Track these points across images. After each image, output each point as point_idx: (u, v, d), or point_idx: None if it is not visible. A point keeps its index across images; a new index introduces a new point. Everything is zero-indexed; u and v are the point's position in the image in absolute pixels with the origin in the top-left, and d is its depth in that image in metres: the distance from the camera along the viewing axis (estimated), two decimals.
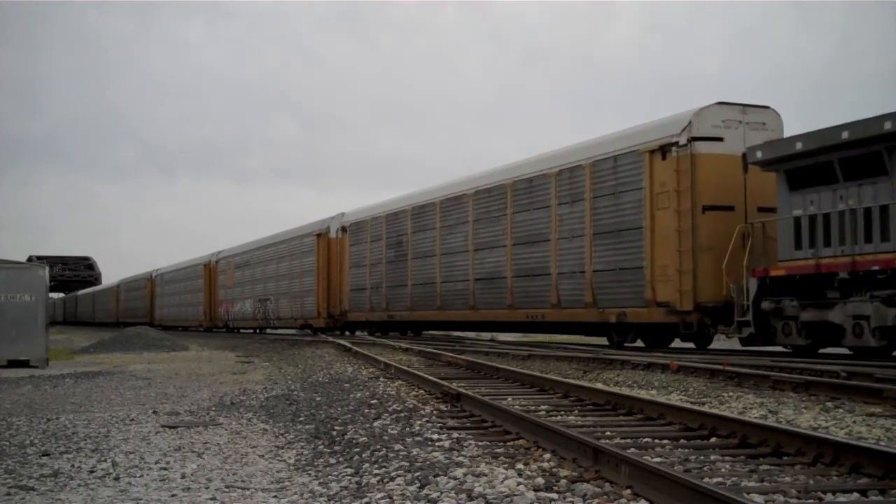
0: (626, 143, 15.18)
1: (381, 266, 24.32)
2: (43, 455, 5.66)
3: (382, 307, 24.24)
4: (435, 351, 14.24)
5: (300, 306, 29.84)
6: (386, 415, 6.71)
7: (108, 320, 59.27)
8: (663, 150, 14.13)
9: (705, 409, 6.23)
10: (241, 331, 37.04)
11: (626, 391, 7.68)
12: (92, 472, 5.03)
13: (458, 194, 20.47)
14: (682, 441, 5.15)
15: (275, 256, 32.66)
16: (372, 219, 25.23)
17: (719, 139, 13.83)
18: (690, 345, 16.85)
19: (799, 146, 11.90)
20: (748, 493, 3.59)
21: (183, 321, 45.77)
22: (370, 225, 25.31)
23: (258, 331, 35.49)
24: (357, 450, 5.24)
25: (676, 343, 17.23)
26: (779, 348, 13.23)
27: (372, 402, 7.69)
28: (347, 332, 27.89)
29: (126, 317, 55.37)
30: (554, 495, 3.74)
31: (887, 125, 10.67)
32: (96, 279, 77.11)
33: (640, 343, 16.59)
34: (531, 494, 3.75)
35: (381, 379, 10.04)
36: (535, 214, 17.53)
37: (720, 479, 3.99)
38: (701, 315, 13.66)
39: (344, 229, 27.29)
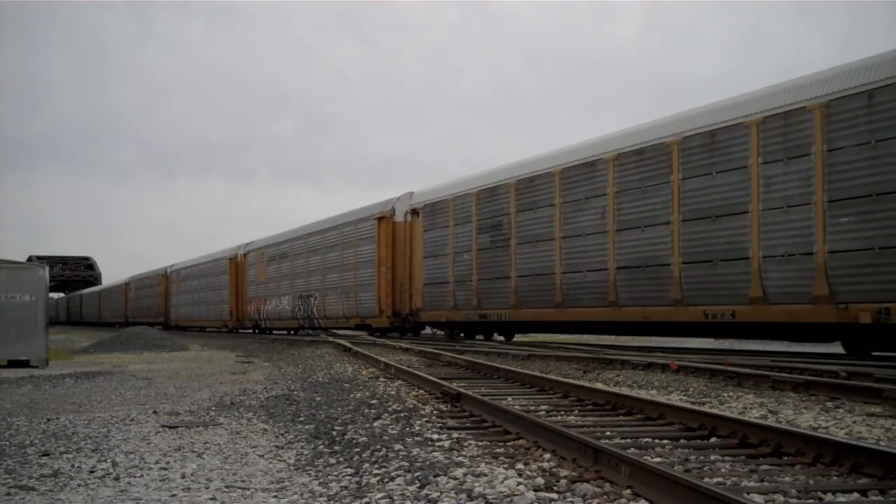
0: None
1: (470, 254, 19.63)
2: (43, 455, 5.66)
3: (471, 304, 19.56)
4: (435, 351, 14.24)
5: (355, 303, 25.37)
6: (386, 415, 6.71)
7: (116, 320, 55.03)
8: None
9: (705, 409, 6.23)
10: (276, 332, 32.84)
11: (626, 391, 7.68)
12: (92, 472, 5.03)
13: (591, 160, 15.94)
14: (682, 441, 5.15)
15: (321, 245, 28.16)
16: (455, 197, 20.41)
17: None
18: (690, 344, 16.82)
19: None
20: (748, 493, 3.59)
21: (203, 321, 41.83)
22: (453, 205, 20.46)
23: (292, 332, 31.54)
24: (357, 450, 5.24)
25: (676, 343, 17.17)
26: (778, 348, 13.20)
27: (372, 402, 7.69)
28: (409, 334, 24.04)
29: (137, 317, 51.60)
30: (554, 495, 3.74)
31: None
32: (96, 279, 77.05)
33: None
34: (531, 494, 3.75)
35: (381, 379, 10.04)
36: (720, 179, 13.13)
37: (720, 479, 3.99)
38: None
39: (415, 211, 22.32)
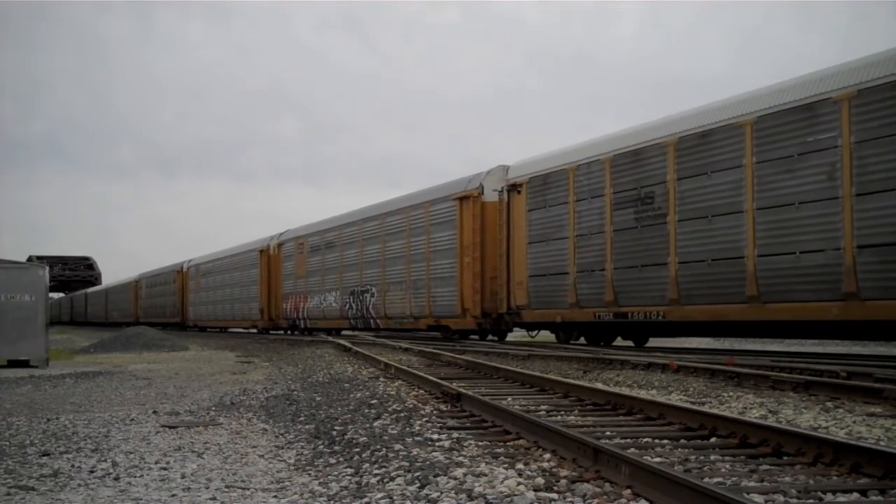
0: None
1: (602, 236, 15.53)
2: (43, 455, 5.66)
3: (603, 300, 15.52)
4: (435, 351, 14.25)
5: (427, 301, 21.32)
6: (386, 415, 6.71)
7: (126, 321, 49.64)
8: None
9: (705, 409, 6.23)
10: (318, 333, 28.35)
11: (626, 391, 7.68)
12: (92, 472, 5.03)
13: (809, 101, 11.85)
14: (682, 441, 5.15)
15: (380, 232, 24.09)
16: (578, 166, 16.28)
17: None
18: (690, 344, 16.76)
19: None
20: (748, 493, 3.59)
21: (228, 321, 37.74)
22: (575, 175, 16.30)
23: (334, 332, 27.60)
24: (357, 450, 5.24)
25: (676, 342, 17.06)
26: (778, 348, 13.18)
27: (372, 402, 7.69)
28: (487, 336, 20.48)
29: (149, 317, 47.96)
30: (554, 495, 3.74)
31: None
32: (96, 279, 76.98)
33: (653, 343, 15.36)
34: (531, 494, 3.75)
35: (381, 379, 10.04)
36: None
37: (720, 479, 3.99)
38: None
39: (514, 187, 18.14)
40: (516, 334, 21.28)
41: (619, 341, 18.10)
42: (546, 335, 19.66)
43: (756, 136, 12.48)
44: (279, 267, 31.86)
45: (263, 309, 33.00)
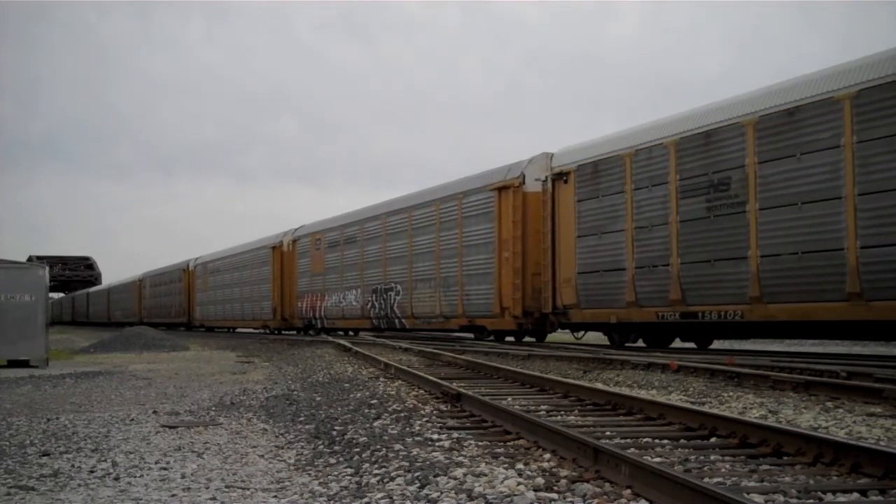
0: None
1: (667, 227, 14.00)
2: (43, 455, 5.66)
3: (667, 298, 14.00)
4: (435, 351, 14.24)
5: (460, 299, 19.67)
6: (386, 415, 6.71)
7: (129, 321, 47.72)
8: None
9: (705, 409, 6.23)
10: (340, 333, 26.99)
11: (626, 391, 7.68)
12: (92, 472, 5.03)
13: None
14: (682, 441, 5.15)
15: (406, 227, 22.47)
16: (636, 151, 14.75)
17: None
18: (690, 344, 16.71)
19: None
20: (748, 493, 3.59)
21: (238, 321, 36.48)
22: (633, 161, 14.83)
23: (347, 333, 26.51)
24: (357, 450, 5.24)
25: (676, 343, 16.94)
26: (778, 348, 13.12)
27: (372, 402, 7.69)
28: (527, 338, 19.13)
29: (154, 317, 47.07)
30: (554, 495, 3.74)
31: None
32: (96, 279, 76.91)
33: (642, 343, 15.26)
34: (531, 494, 3.75)
35: (381, 379, 10.04)
36: None
37: (720, 479, 3.99)
38: None
39: (560, 176, 16.66)
40: (558, 336, 20.09)
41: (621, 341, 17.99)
42: (594, 336, 18.72)
43: (857, 113, 11.10)
44: (294, 264, 30.37)
45: (276, 308, 31.62)
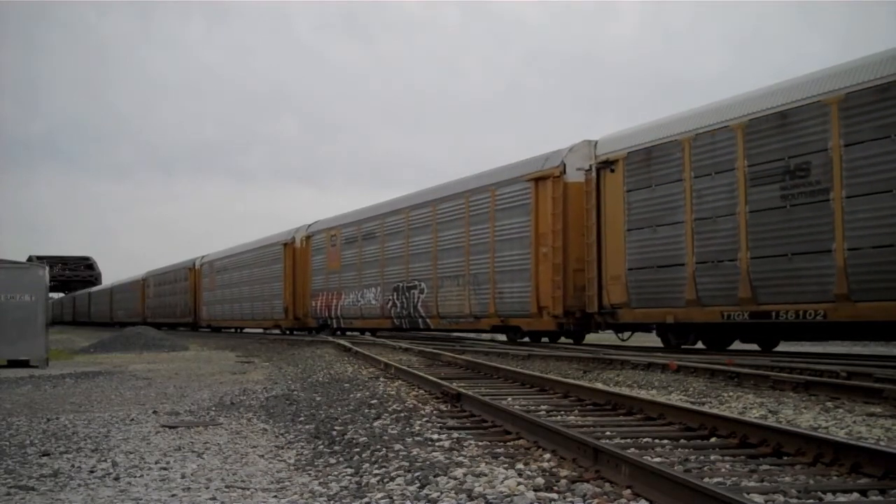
0: None
1: (734, 218, 12.70)
2: (43, 455, 5.66)
3: (734, 297, 12.71)
4: (435, 351, 14.24)
5: (491, 297, 18.40)
6: (386, 415, 6.71)
7: (132, 320, 46.22)
8: None
9: (705, 409, 6.23)
10: (360, 333, 25.97)
11: (626, 391, 7.69)
12: (92, 472, 5.03)
13: None
14: (682, 441, 5.15)
15: (430, 221, 21.19)
16: (696, 135, 13.41)
17: None
18: (690, 344, 16.62)
19: None
20: (748, 493, 3.59)
21: (247, 321, 35.22)
22: (691, 147, 13.49)
23: (364, 333, 25.51)
24: (357, 450, 5.24)
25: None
26: (778, 348, 13.03)
27: (372, 402, 7.69)
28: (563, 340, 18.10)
29: (158, 316, 46.22)
30: (554, 495, 3.74)
31: None
32: (96, 279, 76.87)
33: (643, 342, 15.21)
34: (531, 494, 3.75)
35: (381, 379, 10.04)
36: None
37: (720, 479, 3.99)
38: None
39: (607, 164, 15.35)
40: (598, 337, 18.93)
41: (628, 340, 17.91)
42: (641, 338, 17.75)
43: None
44: (307, 261, 29.08)
45: (288, 307, 30.32)
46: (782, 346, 14.70)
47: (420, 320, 21.64)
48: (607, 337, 18.76)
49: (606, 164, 15.37)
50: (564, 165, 16.55)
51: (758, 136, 12.37)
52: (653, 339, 16.96)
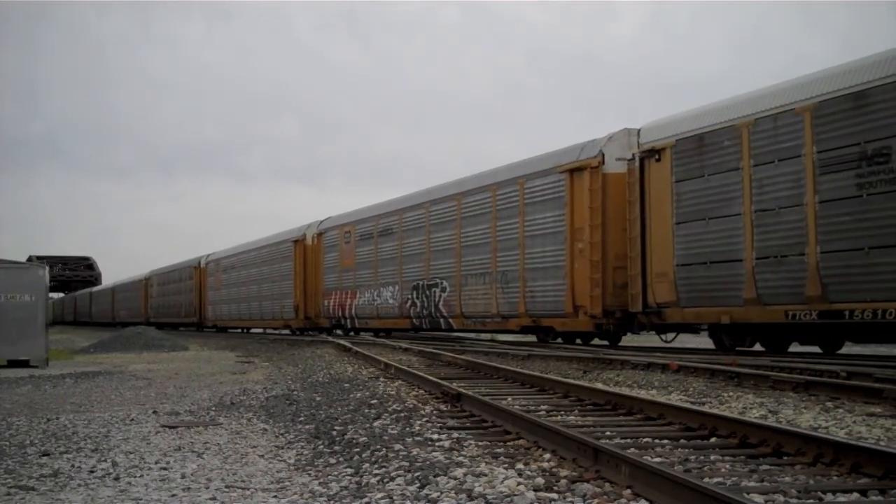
0: None
1: (800, 210, 11.69)
2: (43, 455, 5.66)
3: (802, 294, 11.66)
4: (435, 351, 14.25)
5: (521, 296, 17.37)
6: (386, 415, 6.71)
7: (134, 320, 44.83)
8: None
9: (705, 409, 6.23)
10: (369, 334, 25.08)
11: (626, 391, 7.69)
12: (92, 472, 5.03)
13: None
14: (682, 441, 5.15)
15: (453, 217, 20.09)
16: (755, 120, 12.37)
17: None
18: (690, 344, 16.67)
19: None
20: (748, 493, 3.59)
21: (255, 321, 34.24)
22: (748, 133, 12.46)
23: (378, 334, 24.58)
24: (357, 450, 5.24)
25: (676, 343, 16.74)
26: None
27: (372, 402, 7.69)
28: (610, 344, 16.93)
29: (161, 316, 45.54)
30: (554, 495, 3.74)
31: None
32: (96, 279, 76.83)
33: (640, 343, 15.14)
34: (531, 494, 3.75)
35: (381, 379, 10.04)
36: None
37: (720, 479, 3.99)
38: None
39: (652, 153, 14.31)
40: (636, 339, 17.88)
41: (637, 341, 17.87)
42: (686, 339, 16.69)
43: None
44: (319, 259, 28.00)
45: (299, 307, 29.25)
46: (846, 349, 13.50)
47: (442, 320, 20.60)
48: (647, 339, 17.91)
49: (651, 153, 14.32)
50: (603, 155, 15.56)
51: (829, 120, 11.36)
52: (699, 342, 15.43)
